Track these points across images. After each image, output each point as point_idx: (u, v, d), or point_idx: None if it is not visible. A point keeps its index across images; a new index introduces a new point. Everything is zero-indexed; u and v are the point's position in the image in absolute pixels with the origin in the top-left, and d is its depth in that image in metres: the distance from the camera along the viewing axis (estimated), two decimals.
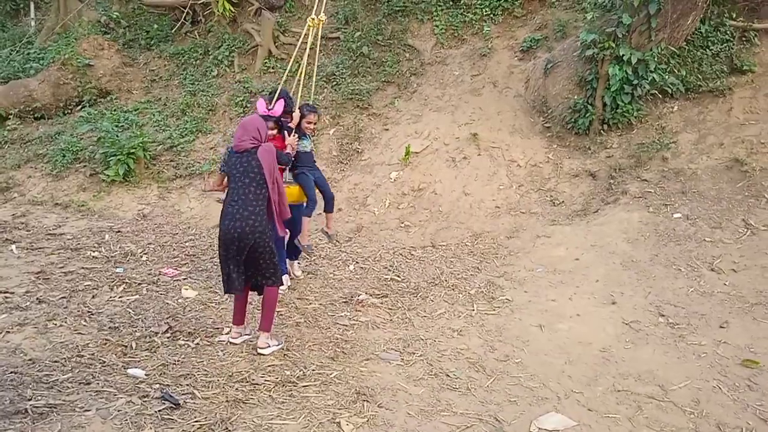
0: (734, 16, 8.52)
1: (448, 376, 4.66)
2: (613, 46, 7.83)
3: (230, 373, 4.47)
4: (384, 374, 4.63)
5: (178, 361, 4.61)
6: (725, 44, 8.44)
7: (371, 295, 6.11)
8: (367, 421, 3.97)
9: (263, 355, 4.77)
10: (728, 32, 8.46)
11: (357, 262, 7.06)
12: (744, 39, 8.53)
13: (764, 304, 5.41)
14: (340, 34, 10.67)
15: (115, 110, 10.70)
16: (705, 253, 6.31)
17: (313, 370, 4.60)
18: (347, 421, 3.94)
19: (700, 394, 4.37)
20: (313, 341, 5.09)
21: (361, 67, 10.23)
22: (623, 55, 7.79)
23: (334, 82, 10.14)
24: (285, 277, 6.09)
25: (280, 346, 4.90)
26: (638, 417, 4.15)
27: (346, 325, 5.44)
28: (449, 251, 7.25)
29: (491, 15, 10.33)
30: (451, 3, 10.61)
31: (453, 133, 8.93)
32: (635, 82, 7.96)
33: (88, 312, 5.40)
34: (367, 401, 4.20)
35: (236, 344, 4.93)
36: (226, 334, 5.09)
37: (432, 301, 6.02)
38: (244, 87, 10.59)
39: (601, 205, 7.54)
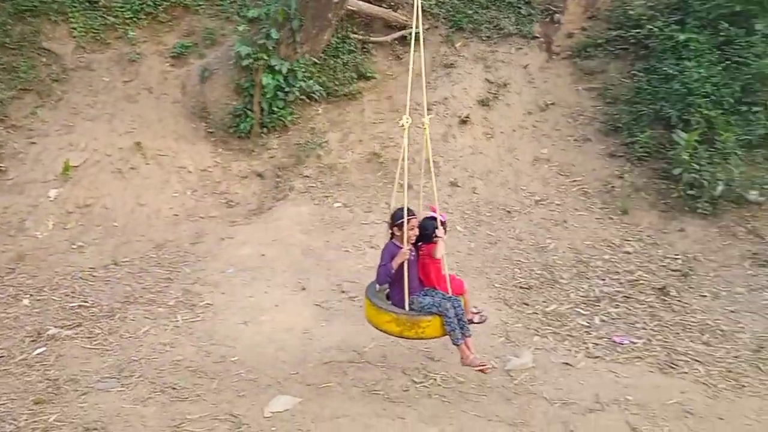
0: (356, 30, 10.15)
1: (174, 389, 4.81)
2: (265, 57, 8.60)
3: None
4: (108, 404, 4.54)
5: None
6: (352, 54, 9.98)
7: (62, 327, 5.72)
8: None
9: None
10: (353, 44, 10.03)
11: (31, 295, 6.42)
12: (365, 50, 10.21)
13: None
14: None
15: None
16: (364, 233, 7.58)
17: (26, 420, 4.25)
18: None
19: (385, 349, 5.43)
20: (12, 391, 4.64)
21: None
22: (275, 65, 8.64)
23: None
24: None
25: None
26: (346, 380, 4.99)
27: (46, 365, 5.06)
28: (135, 266, 7.09)
29: (134, 19, 10.07)
30: (87, 4, 10.00)
31: (114, 143, 8.60)
32: (287, 89, 8.91)
33: None
34: None
35: None
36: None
37: (132, 320, 5.92)
38: None
39: (273, 202, 8.31)
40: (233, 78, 9.08)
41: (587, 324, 5.85)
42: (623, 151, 8.71)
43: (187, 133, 9.11)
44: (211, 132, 9.17)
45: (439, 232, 4.63)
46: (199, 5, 10.35)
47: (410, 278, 4.52)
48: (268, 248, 7.25)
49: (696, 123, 7.96)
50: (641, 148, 8.42)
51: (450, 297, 4.65)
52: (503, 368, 5.13)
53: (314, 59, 9.30)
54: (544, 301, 6.27)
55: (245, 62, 8.67)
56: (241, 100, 9.08)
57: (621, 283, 6.60)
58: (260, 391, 4.81)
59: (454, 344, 4.62)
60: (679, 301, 6.27)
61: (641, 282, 6.62)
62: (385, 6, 10.43)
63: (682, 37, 8.66)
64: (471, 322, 4.94)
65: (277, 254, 7.12)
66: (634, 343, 5.54)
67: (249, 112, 8.98)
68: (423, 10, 10.53)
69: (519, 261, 7.08)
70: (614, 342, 5.55)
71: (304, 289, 6.47)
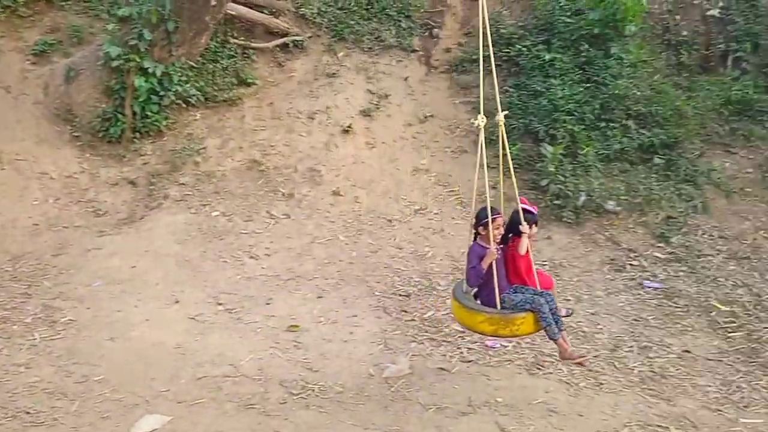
0: (236, 35, 9.93)
1: (28, 413, 4.45)
2: (138, 59, 8.19)
3: None
4: None
5: None
6: (232, 59, 9.74)
7: None
8: None
9: None
10: (233, 49, 9.81)
11: None
12: (245, 56, 10.00)
13: (294, 279, 6.80)
14: None
15: None
16: (243, 243, 7.40)
17: None
18: None
19: (263, 362, 5.33)
20: None
21: None
22: (148, 67, 8.27)
23: None
24: None
25: None
26: (220, 396, 4.84)
27: None
28: None
29: None
30: None
31: None
32: (161, 93, 8.53)
33: None
34: None
35: None
36: None
37: None
38: None
39: (146, 210, 7.90)
40: (102, 79, 8.57)
41: (462, 329, 6.04)
42: (496, 163, 9.11)
43: (50, 136, 8.48)
44: (77, 136, 8.58)
45: (523, 227, 4.66)
46: (65, 1, 9.69)
47: (498, 277, 4.58)
48: (139, 259, 6.89)
49: (561, 137, 8.51)
50: (513, 160, 8.85)
51: (542, 292, 4.69)
52: (381, 376, 5.19)
53: (191, 63, 8.98)
54: (422, 308, 6.41)
55: (115, 63, 8.21)
56: (111, 103, 8.57)
57: None
58: (126, 411, 4.56)
59: (551, 339, 4.69)
60: None
61: None
62: (266, 12, 10.28)
63: (547, 56, 9.24)
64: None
65: (150, 266, 6.80)
66: (505, 346, 5.79)
67: (120, 116, 8.50)
68: (305, 19, 10.54)
69: (399, 269, 7.20)
70: (486, 346, 5.78)
71: (177, 302, 6.22)
